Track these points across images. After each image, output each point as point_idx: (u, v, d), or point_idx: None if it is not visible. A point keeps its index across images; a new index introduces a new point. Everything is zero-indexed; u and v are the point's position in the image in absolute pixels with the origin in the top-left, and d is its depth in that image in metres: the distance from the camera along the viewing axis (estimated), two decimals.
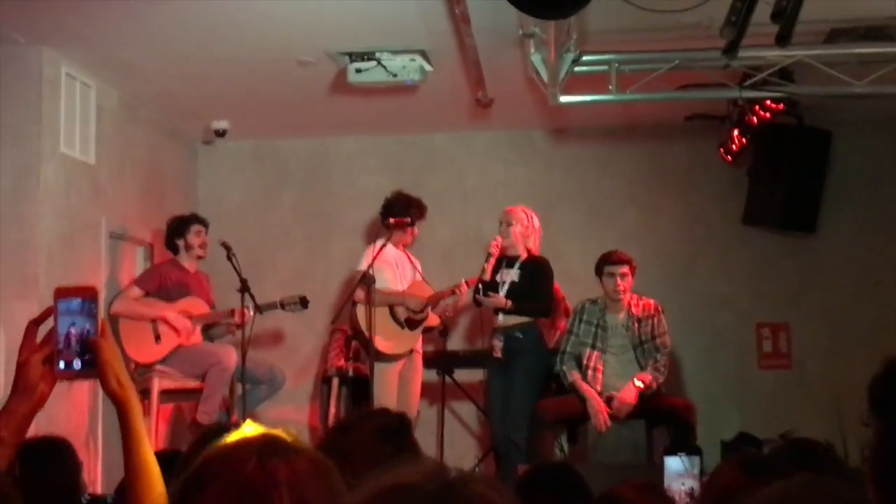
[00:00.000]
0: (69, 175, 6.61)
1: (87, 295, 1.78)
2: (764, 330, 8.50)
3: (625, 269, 6.59)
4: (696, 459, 3.22)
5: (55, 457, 3.44)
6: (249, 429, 2.04)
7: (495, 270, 6.85)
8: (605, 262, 6.65)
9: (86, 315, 1.76)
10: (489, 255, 6.82)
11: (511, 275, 6.85)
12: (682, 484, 3.19)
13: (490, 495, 1.16)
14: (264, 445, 1.40)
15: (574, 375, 6.55)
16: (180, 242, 7.19)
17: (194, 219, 7.28)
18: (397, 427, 2.40)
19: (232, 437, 1.95)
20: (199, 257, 7.23)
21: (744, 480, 2.22)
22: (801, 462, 2.75)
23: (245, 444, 1.41)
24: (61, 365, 1.75)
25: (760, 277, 8.48)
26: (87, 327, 1.76)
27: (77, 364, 1.75)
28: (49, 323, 1.80)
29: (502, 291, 6.82)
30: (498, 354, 6.75)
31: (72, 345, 1.75)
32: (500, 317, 6.83)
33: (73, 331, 1.75)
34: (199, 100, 7.66)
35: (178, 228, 7.22)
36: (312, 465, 1.39)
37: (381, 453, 2.24)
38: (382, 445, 2.29)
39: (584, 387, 6.49)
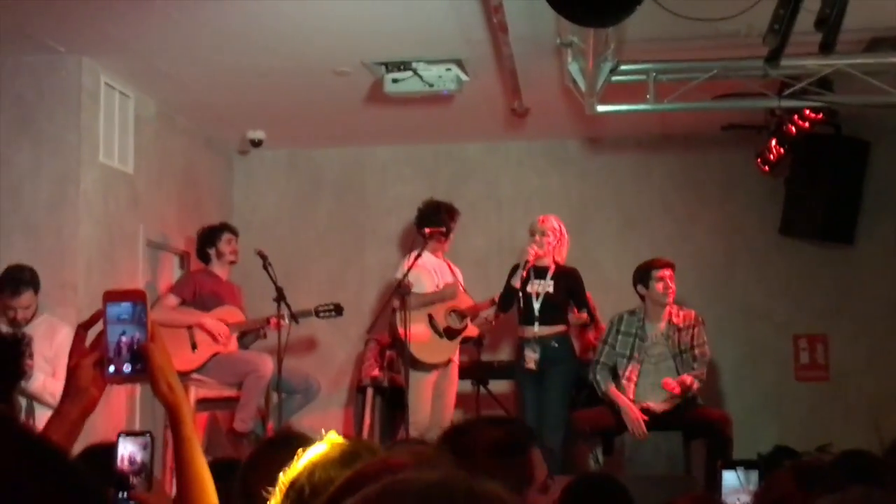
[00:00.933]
0: (108, 184, 6.66)
1: (137, 299, 1.78)
2: (801, 341, 8.42)
3: (671, 272, 6.57)
4: (755, 474, 3.14)
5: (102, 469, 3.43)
6: (332, 436, 2.01)
7: (525, 281, 6.82)
8: (652, 268, 6.60)
9: (136, 321, 1.76)
10: (526, 262, 6.78)
11: (544, 286, 6.82)
12: (738, 499, 3.12)
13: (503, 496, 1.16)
14: (414, 459, 1.38)
15: (608, 385, 6.51)
16: (212, 251, 7.23)
17: (225, 227, 7.32)
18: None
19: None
20: (232, 263, 7.26)
21: (798, 492, 2.19)
22: (858, 474, 2.71)
23: (395, 460, 1.38)
24: (111, 369, 1.75)
25: (798, 288, 8.40)
26: (138, 335, 1.75)
27: (127, 368, 1.75)
28: (98, 326, 1.80)
29: (536, 303, 6.78)
30: (532, 366, 6.69)
31: (122, 353, 1.75)
32: (536, 327, 6.77)
33: (123, 339, 1.75)
34: (235, 109, 7.70)
35: (208, 237, 7.26)
36: None
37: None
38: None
39: (620, 397, 6.45)
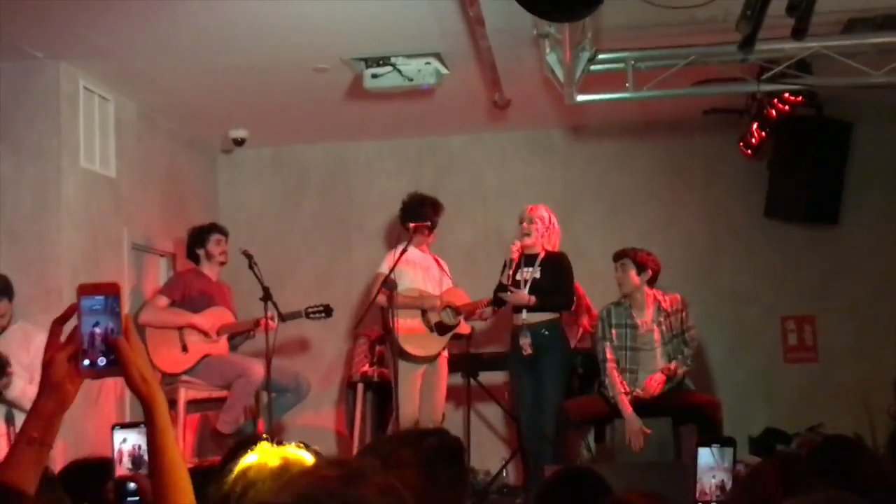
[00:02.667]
0: (90, 188, 6.65)
1: (110, 292, 1.77)
2: (788, 323, 8.45)
3: (623, 262, 6.57)
4: (729, 451, 3.14)
5: (99, 479, 3.42)
6: (293, 450, 2.03)
7: (515, 270, 6.83)
8: (612, 260, 6.67)
9: (109, 313, 1.75)
10: (510, 261, 6.78)
11: (532, 273, 6.83)
12: (713, 477, 3.13)
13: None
14: (340, 479, 1.38)
15: (617, 390, 6.46)
16: (201, 252, 7.23)
17: (214, 228, 7.32)
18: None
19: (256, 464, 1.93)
20: (222, 264, 7.27)
21: (782, 493, 2.20)
22: (838, 461, 2.72)
23: (322, 478, 1.38)
24: (86, 363, 1.75)
25: (784, 270, 8.43)
26: (111, 326, 1.75)
27: (101, 362, 1.75)
28: (73, 321, 1.79)
29: (525, 290, 6.78)
30: (528, 351, 6.68)
31: (96, 344, 1.75)
32: (524, 314, 6.78)
33: (97, 330, 1.75)
34: (216, 109, 7.69)
35: (197, 238, 7.26)
36: (382, 495, 1.38)
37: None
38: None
39: (626, 406, 6.39)
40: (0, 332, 5.67)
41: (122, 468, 2.13)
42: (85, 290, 1.78)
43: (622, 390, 6.42)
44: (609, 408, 6.46)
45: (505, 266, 6.85)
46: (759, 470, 2.50)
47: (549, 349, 6.72)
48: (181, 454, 1.77)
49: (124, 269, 7.05)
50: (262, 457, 1.96)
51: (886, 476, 2.50)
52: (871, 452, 2.81)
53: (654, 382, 6.39)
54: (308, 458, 1.97)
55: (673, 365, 6.43)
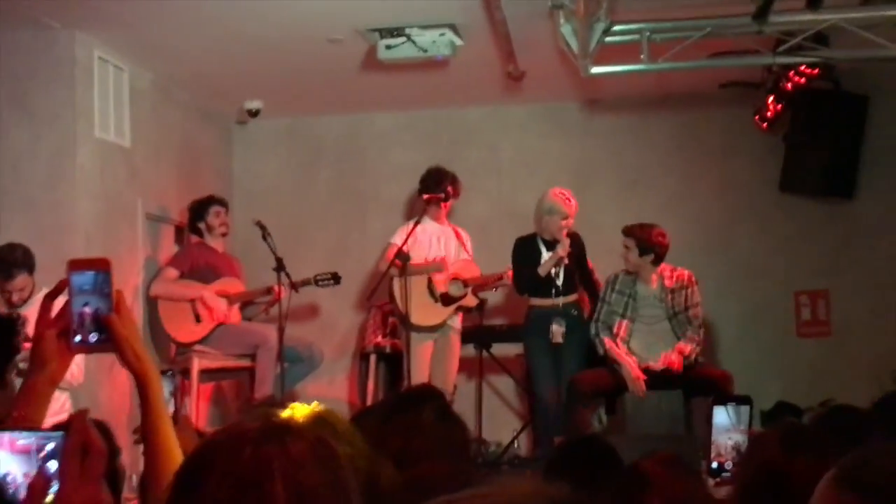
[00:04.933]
0: (104, 158, 6.68)
1: (101, 267, 1.76)
2: (802, 297, 8.42)
3: (627, 241, 6.57)
4: (745, 410, 3.06)
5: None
6: (299, 407, 2.03)
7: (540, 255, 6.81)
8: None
9: (99, 293, 1.74)
10: (561, 259, 6.71)
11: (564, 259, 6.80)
12: (729, 439, 3.09)
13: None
14: (261, 431, 1.35)
15: (608, 343, 6.53)
16: (202, 225, 7.27)
17: (212, 200, 7.34)
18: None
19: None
20: (223, 235, 7.29)
21: (783, 457, 2.21)
22: (843, 430, 2.73)
23: (242, 430, 1.35)
24: (77, 339, 1.75)
25: (798, 245, 8.39)
26: (101, 305, 1.74)
27: (93, 338, 1.74)
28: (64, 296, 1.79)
29: (557, 279, 6.75)
30: (560, 340, 6.62)
31: (86, 324, 1.74)
32: (560, 299, 6.72)
33: (87, 310, 1.74)
34: (231, 80, 7.69)
35: (197, 212, 7.30)
36: (310, 449, 1.34)
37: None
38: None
39: (620, 354, 6.46)
40: (21, 304, 5.66)
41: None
42: (75, 265, 1.76)
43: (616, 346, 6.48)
44: (618, 380, 6.48)
45: (521, 244, 6.84)
46: (761, 436, 2.51)
47: (576, 329, 6.71)
48: (172, 430, 1.76)
49: (138, 239, 7.09)
50: (293, 410, 1.94)
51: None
52: (873, 420, 2.81)
53: (670, 363, 6.40)
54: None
55: (687, 348, 6.46)
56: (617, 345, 6.53)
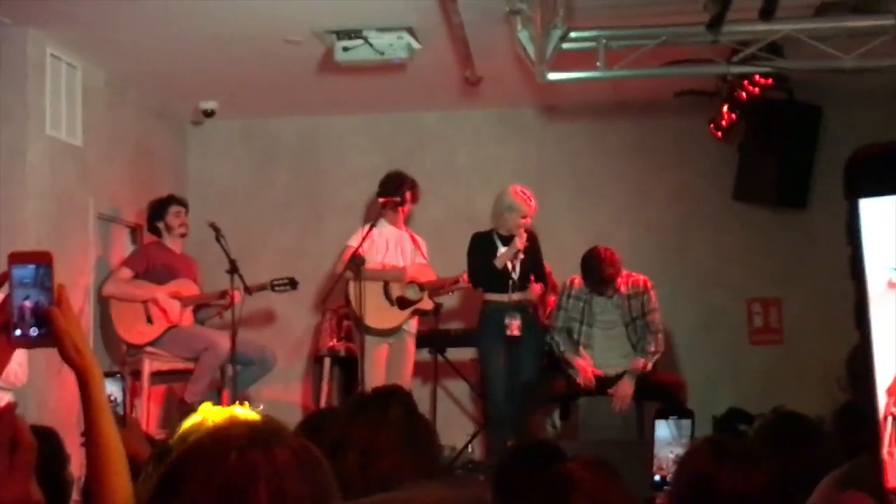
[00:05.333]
0: (56, 157, 6.59)
1: (42, 261, 1.73)
2: (755, 305, 8.50)
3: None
4: (687, 424, 3.09)
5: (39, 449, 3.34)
6: (240, 410, 2.02)
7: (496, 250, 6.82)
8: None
9: (39, 287, 1.72)
10: (517, 250, 6.72)
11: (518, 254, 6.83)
12: (671, 452, 3.11)
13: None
14: (247, 437, 1.36)
15: (564, 346, 6.57)
16: (160, 225, 7.20)
17: (172, 200, 7.28)
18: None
19: (215, 424, 1.93)
20: (182, 235, 7.23)
21: (712, 463, 2.23)
22: (786, 436, 2.75)
23: (227, 434, 1.37)
24: (17, 333, 1.72)
25: (752, 253, 8.47)
26: (41, 299, 1.72)
27: (34, 332, 1.72)
28: (5, 290, 1.76)
29: (514, 273, 6.76)
30: (517, 333, 6.60)
31: (26, 317, 1.71)
32: (515, 294, 6.74)
33: (27, 304, 1.71)
34: (186, 80, 7.62)
35: (156, 211, 7.22)
36: (294, 456, 1.35)
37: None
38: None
39: (573, 357, 6.52)
40: None
41: None
42: (16, 258, 1.74)
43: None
44: (574, 386, 6.51)
45: (477, 240, 6.84)
46: (693, 448, 2.53)
47: (532, 328, 6.73)
48: (114, 427, 1.73)
49: (90, 239, 7.00)
50: (204, 416, 1.95)
51: (832, 452, 2.53)
52: (820, 429, 2.84)
53: (622, 400, 6.44)
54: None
55: (640, 364, 6.51)
56: (577, 352, 6.56)
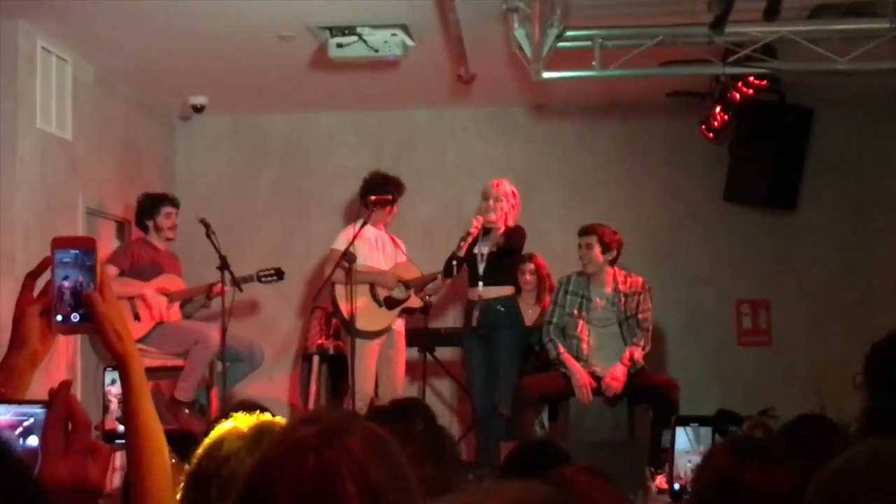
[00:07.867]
0: (45, 150, 6.52)
1: (85, 246, 1.71)
2: (743, 306, 8.51)
3: (589, 239, 6.59)
4: (707, 431, 2.98)
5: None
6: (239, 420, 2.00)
7: (473, 244, 6.82)
8: (578, 234, 6.69)
9: (80, 267, 1.69)
10: (468, 234, 6.77)
11: (489, 246, 6.83)
12: (689, 461, 3.02)
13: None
14: (318, 436, 1.34)
15: (560, 349, 6.54)
16: (150, 223, 7.11)
17: (165, 199, 7.19)
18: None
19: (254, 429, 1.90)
20: (168, 239, 7.14)
21: (733, 465, 2.21)
22: (809, 438, 2.73)
23: (295, 438, 1.35)
24: (58, 318, 1.69)
25: (741, 254, 8.49)
26: (81, 280, 1.69)
27: (74, 318, 1.69)
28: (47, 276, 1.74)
29: (481, 264, 6.80)
30: (474, 325, 6.72)
31: (65, 298, 1.69)
32: (480, 288, 6.79)
33: (66, 284, 1.69)
34: (176, 75, 7.56)
35: (148, 208, 7.13)
36: (367, 443, 1.35)
37: None
38: None
39: (570, 360, 6.48)
40: None
41: (111, 416, 2.05)
42: (59, 243, 1.72)
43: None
44: (566, 386, 6.49)
45: (461, 239, 6.83)
46: (715, 449, 2.52)
47: (504, 326, 6.75)
48: (155, 414, 1.69)
49: (78, 234, 6.93)
50: (236, 422, 1.92)
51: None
52: (844, 431, 2.83)
53: (615, 381, 6.41)
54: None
55: (636, 354, 6.48)
56: (572, 346, 6.54)
